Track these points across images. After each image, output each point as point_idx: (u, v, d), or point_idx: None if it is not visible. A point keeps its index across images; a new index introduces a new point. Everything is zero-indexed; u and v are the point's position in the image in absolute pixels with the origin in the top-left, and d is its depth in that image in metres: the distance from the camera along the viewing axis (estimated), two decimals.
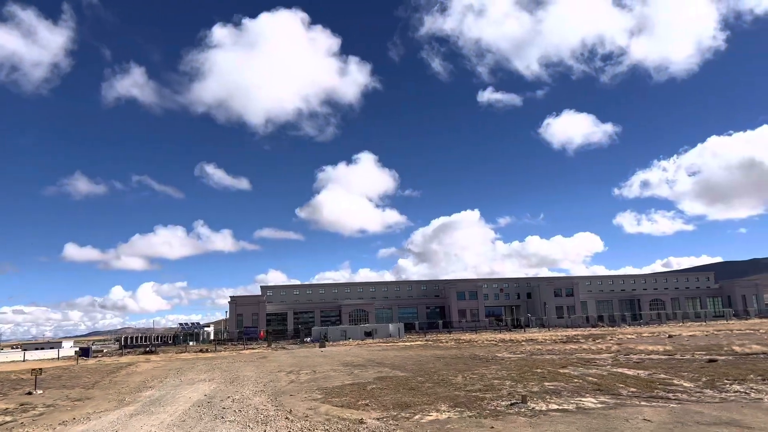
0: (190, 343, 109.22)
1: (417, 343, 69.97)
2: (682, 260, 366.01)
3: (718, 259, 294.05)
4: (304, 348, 75.87)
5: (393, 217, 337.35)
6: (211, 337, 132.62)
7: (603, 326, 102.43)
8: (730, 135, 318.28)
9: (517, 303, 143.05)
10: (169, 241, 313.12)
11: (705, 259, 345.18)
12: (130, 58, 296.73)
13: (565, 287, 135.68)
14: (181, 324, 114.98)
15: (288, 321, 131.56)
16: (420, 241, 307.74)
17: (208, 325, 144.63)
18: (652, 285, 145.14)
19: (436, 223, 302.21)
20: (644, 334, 66.90)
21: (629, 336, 64.67)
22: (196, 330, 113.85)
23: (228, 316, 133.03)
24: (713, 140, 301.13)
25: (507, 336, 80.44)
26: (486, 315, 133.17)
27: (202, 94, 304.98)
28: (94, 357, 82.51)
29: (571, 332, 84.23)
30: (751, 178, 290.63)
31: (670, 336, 59.21)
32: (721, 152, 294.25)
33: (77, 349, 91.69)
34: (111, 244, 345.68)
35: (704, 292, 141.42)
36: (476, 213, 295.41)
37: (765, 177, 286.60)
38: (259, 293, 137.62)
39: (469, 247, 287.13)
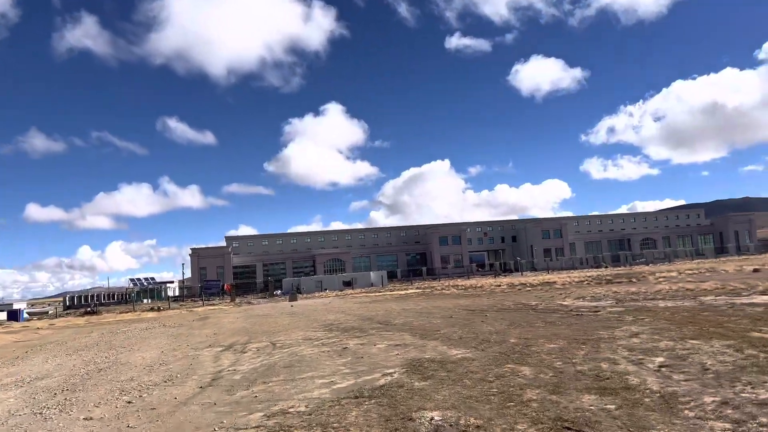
0: (145, 301, 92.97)
1: (409, 291, 54.90)
2: (647, 204, 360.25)
3: (681, 202, 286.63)
4: (271, 302, 60.24)
5: (364, 168, 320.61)
6: (176, 293, 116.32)
7: (605, 266, 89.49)
8: (695, 79, 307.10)
9: (502, 247, 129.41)
10: (134, 199, 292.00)
11: (668, 203, 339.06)
12: (81, 6, 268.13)
13: (552, 228, 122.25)
14: (132, 280, 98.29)
15: (257, 274, 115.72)
16: (391, 193, 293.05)
17: (171, 282, 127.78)
18: (642, 224, 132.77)
19: (406, 174, 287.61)
20: (678, 272, 52.98)
21: (669, 274, 50.58)
22: (150, 286, 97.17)
23: (190, 270, 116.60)
24: (678, 84, 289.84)
25: (509, 280, 65.98)
26: (469, 261, 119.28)
27: (159, 44, 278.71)
28: (26, 320, 66.53)
29: (579, 273, 70.29)
30: (714, 122, 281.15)
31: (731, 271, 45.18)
32: (686, 96, 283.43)
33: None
34: (75, 203, 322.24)
35: (695, 230, 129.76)
36: (446, 163, 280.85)
37: (727, 120, 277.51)
38: (224, 245, 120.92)
39: (440, 198, 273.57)
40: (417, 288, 63.53)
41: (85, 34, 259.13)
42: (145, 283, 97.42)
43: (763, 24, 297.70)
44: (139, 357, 16.54)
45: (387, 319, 23.84)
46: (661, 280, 41.62)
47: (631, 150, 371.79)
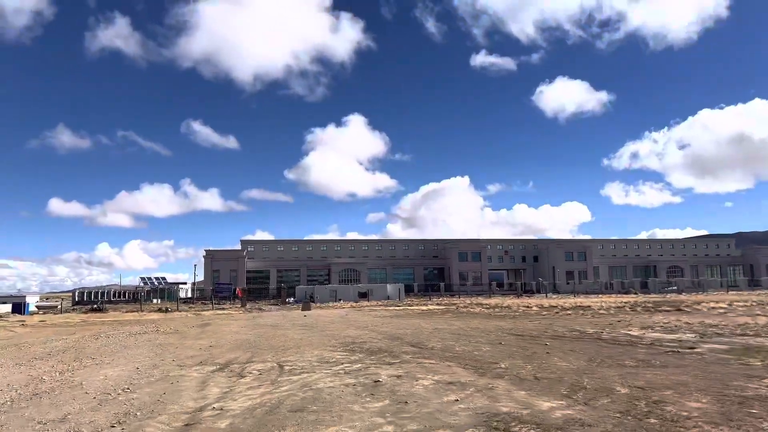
0: (154, 301, 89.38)
1: (432, 307, 50.45)
2: (667, 232, 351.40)
3: (704, 232, 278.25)
4: (283, 310, 56.07)
5: (383, 181, 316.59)
6: (188, 294, 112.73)
7: (634, 292, 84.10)
8: (722, 108, 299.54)
9: (522, 267, 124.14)
10: (155, 199, 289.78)
11: (689, 232, 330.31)
12: (114, 7, 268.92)
13: (576, 251, 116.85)
14: (143, 278, 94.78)
15: (270, 279, 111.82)
16: (408, 207, 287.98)
17: (183, 283, 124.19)
18: (669, 251, 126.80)
19: (425, 189, 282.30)
20: (728, 303, 47.91)
21: (718, 305, 45.56)
22: (161, 286, 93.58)
23: (204, 272, 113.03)
24: (704, 113, 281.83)
25: (536, 301, 61.15)
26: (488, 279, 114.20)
27: (188, 48, 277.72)
28: (31, 314, 63.53)
29: (611, 298, 65.24)
30: (740, 153, 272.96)
31: None
32: (712, 126, 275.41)
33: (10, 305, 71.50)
34: (97, 200, 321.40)
35: (724, 260, 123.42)
36: (466, 179, 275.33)
37: (754, 151, 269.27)
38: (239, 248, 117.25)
39: (458, 214, 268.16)
40: (438, 304, 59.05)
41: (117, 34, 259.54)
42: (156, 283, 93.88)
43: None
44: (101, 376, 12.38)
45: (419, 340, 19.49)
46: (719, 310, 36.78)
47: (654, 176, 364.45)
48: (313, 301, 74.31)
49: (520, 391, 9.89)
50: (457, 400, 9.21)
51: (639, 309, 41.98)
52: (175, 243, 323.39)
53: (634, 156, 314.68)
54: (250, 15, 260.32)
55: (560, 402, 8.89)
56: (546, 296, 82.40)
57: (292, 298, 79.20)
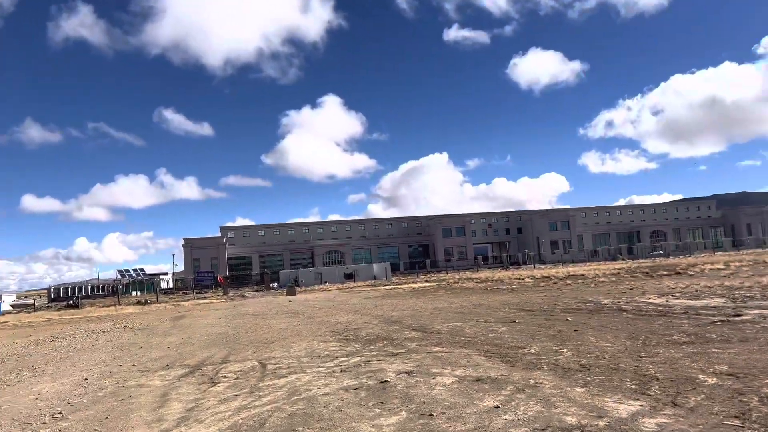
0: (134, 294, 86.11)
1: (423, 285, 48.28)
2: (644, 198, 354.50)
3: (679, 197, 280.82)
4: (267, 296, 53.49)
5: (362, 161, 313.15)
6: (170, 285, 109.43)
7: (622, 259, 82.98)
8: (693, 73, 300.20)
9: (506, 239, 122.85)
10: (131, 190, 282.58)
11: (666, 197, 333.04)
12: None
13: (560, 220, 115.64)
14: (120, 271, 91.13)
15: (253, 265, 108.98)
16: (389, 186, 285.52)
17: (164, 273, 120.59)
18: (651, 216, 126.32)
19: (404, 167, 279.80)
20: (726, 264, 46.46)
21: (716, 266, 44.04)
22: (140, 278, 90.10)
23: (184, 261, 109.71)
24: (676, 78, 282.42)
25: (526, 272, 59.36)
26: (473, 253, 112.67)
27: (155, 35, 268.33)
28: (3, 314, 60.25)
29: (602, 266, 63.79)
30: (712, 117, 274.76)
31: None
32: (684, 91, 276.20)
33: None
34: (71, 195, 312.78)
35: (706, 222, 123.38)
36: (444, 156, 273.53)
37: (726, 115, 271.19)
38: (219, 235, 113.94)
39: (439, 191, 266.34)
40: (427, 281, 56.94)
41: (80, 23, 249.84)
42: (134, 275, 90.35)
43: (762, 19, 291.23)
44: (33, 394, 9.76)
45: (421, 322, 17.13)
46: (724, 272, 35.09)
47: (630, 144, 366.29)
48: (298, 285, 71.83)
49: (574, 387, 7.55)
50: (498, 406, 6.83)
51: (638, 275, 40.21)
52: (154, 234, 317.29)
53: (609, 124, 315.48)
54: None
55: (638, 402, 6.55)
56: (534, 267, 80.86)
57: (276, 283, 76.61)
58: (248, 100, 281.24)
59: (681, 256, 79.85)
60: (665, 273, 40.57)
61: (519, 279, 49.28)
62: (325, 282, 72.44)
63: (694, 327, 12.29)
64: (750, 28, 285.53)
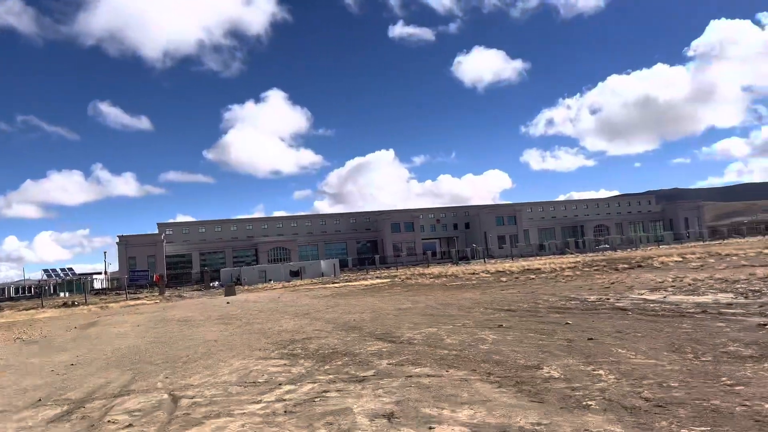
0: (62, 294, 79.16)
1: (376, 282, 45.08)
2: (583, 194, 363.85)
3: (615, 193, 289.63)
4: (207, 295, 48.98)
5: (308, 157, 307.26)
6: (103, 285, 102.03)
7: (570, 252, 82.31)
8: (629, 73, 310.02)
9: (454, 234, 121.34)
10: (65, 187, 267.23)
11: (603, 193, 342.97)
12: None
13: (506, 215, 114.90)
14: (46, 270, 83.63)
15: (193, 263, 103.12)
16: (335, 182, 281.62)
17: (98, 273, 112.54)
18: (594, 210, 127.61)
19: (351, 163, 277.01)
20: (681, 257, 45.43)
21: (672, 259, 42.81)
22: (68, 278, 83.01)
23: (118, 260, 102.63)
24: (613, 78, 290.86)
25: (480, 267, 57.16)
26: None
27: (90, 24, 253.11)
28: None
29: (556, 260, 62.37)
30: (646, 115, 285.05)
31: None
32: (620, 90, 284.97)
33: None
34: None
35: (646, 216, 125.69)
36: (391, 152, 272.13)
37: (659, 114, 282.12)
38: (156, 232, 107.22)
39: (385, 187, 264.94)
40: (378, 277, 53.77)
41: (7, 10, 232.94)
42: (62, 275, 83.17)
43: (692, 23, 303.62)
44: None
45: (385, 328, 13.86)
46: (691, 264, 33.45)
47: (569, 142, 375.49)
48: (241, 284, 67.35)
49: None
50: None
51: (599, 268, 38.28)
52: (90, 232, 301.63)
53: (550, 122, 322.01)
54: None
55: None
56: (484, 261, 79.13)
57: (217, 282, 71.74)
58: (189, 93, 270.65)
59: (628, 249, 79.89)
60: (626, 266, 38.85)
61: (474, 274, 46.85)
62: (270, 280, 68.20)
63: (739, 332, 9.53)
64: (681, 31, 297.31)
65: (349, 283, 44.44)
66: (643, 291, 18.18)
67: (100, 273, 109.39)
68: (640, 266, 37.50)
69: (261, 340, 13.33)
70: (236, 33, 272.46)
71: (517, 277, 34.87)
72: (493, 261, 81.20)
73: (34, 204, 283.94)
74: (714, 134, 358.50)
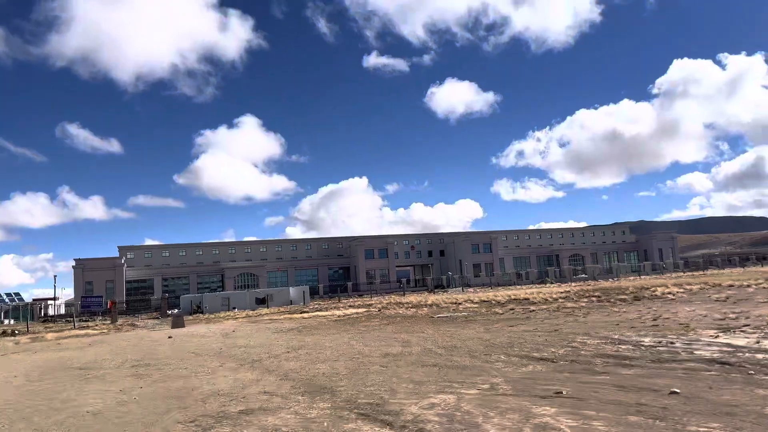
0: (5, 321, 71.38)
1: (350, 311, 39.69)
2: (551, 225, 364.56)
3: (584, 224, 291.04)
4: (162, 325, 42.78)
5: (281, 183, 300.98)
6: (61, 311, 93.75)
7: (550, 281, 78.19)
8: (596, 108, 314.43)
9: (428, 262, 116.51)
10: (29, 209, 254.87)
11: (571, 224, 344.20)
12: None
13: (482, 242, 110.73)
14: None
15: (155, 289, 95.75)
16: (308, 209, 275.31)
17: (51, 298, 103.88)
18: (569, 240, 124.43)
19: (324, 190, 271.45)
20: (679, 288, 41.31)
21: (671, 290, 38.59)
22: (14, 303, 75.20)
23: (74, 284, 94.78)
24: (581, 113, 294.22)
25: (464, 296, 52.25)
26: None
27: (61, 45, 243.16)
28: None
29: (540, 289, 57.87)
30: (613, 149, 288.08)
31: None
32: (588, 124, 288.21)
33: None
34: None
35: (621, 246, 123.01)
36: (364, 180, 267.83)
37: (625, 148, 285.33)
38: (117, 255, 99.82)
39: (358, 215, 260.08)
40: (352, 305, 48.31)
41: None
42: (7, 300, 75.34)
43: (656, 61, 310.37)
44: None
45: (374, 395, 8.71)
46: (714, 296, 29.10)
47: (539, 173, 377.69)
48: (202, 312, 61.16)
49: None
50: None
51: (598, 299, 33.73)
52: (54, 256, 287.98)
53: (520, 154, 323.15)
54: (130, 11, 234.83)
55: None
56: (462, 290, 74.30)
57: (177, 309, 65.30)
58: (161, 117, 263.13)
59: (610, 279, 76.12)
60: (623, 297, 34.45)
61: (457, 303, 41.91)
62: (234, 308, 62.12)
63: None
64: (646, 69, 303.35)
65: (320, 313, 39.00)
66: (709, 331, 13.47)
67: (55, 298, 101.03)
68: (642, 297, 33.07)
69: (170, 415, 8.05)
70: (211, 58, 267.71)
71: (512, 309, 30.09)
72: (471, 290, 76.48)
73: None
74: (678, 169, 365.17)
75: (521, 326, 18.88)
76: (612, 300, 32.73)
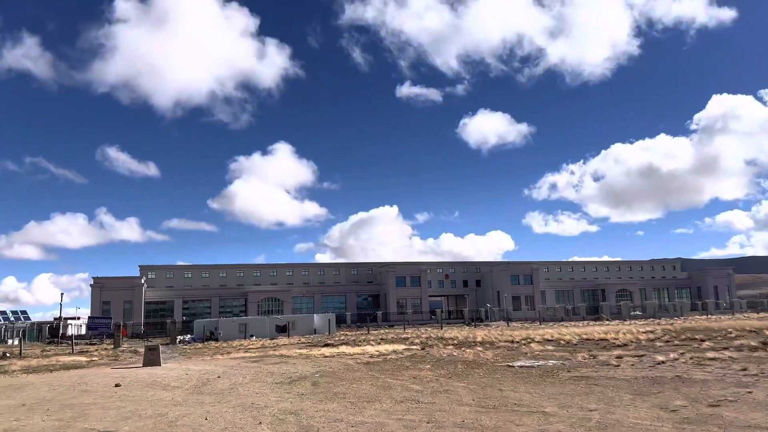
0: (9, 342, 64.64)
1: (381, 348, 30.91)
2: (586, 259, 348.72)
3: (618, 259, 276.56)
4: (170, 352, 34.74)
5: (312, 209, 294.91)
6: (82, 331, 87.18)
7: (606, 319, 68.14)
8: (632, 143, 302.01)
9: (464, 292, 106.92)
10: (68, 230, 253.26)
11: (606, 259, 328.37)
12: (22, 25, 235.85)
13: (522, 273, 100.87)
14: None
15: (175, 312, 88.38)
16: (337, 236, 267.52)
17: (74, 318, 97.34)
18: (615, 273, 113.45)
19: (354, 218, 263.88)
20: None
21: None
22: (19, 321, 68.47)
23: (91, 304, 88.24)
24: (616, 147, 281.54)
25: (522, 333, 43.01)
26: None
27: (104, 72, 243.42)
28: None
29: (612, 327, 48.12)
30: (649, 184, 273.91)
31: None
32: (624, 159, 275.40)
33: None
34: (1, 231, 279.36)
35: (672, 282, 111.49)
36: (395, 209, 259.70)
37: (662, 183, 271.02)
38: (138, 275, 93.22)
39: (387, 243, 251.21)
40: (384, 339, 39.57)
41: (25, 54, 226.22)
42: (12, 318, 68.70)
43: (695, 96, 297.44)
44: None
45: None
46: None
47: (572, 207, 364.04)
48: (216, 339, 53.23)
49: None
50: None
51: (702, 343, 24.37)
52: (90, 275, 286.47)
53: (553, 187, 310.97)
54: (170, 39, 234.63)
55: None
56: (508, 324, 64.86)
57: (189, 336, 57.56)
58: (197, 142, 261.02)
59: (680, 318, 65.71)
60: (743, 342, 25.10)
61: (513, 342, 32.89)
62: (252, 335, 54.01)
63: None
64: (684, 104, 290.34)
65: (347, 349, 30.37)
66: None
67: (76, 318, 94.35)
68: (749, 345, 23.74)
69: None
70: (248, 86, 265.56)
71: (619, 356, 21.04)
72: (516, 324, 66.95)
73: (35, 245, 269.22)
74: (717, 206, 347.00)
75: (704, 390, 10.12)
76: (739, 347, 23.45)
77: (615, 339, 31.83)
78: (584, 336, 35.24)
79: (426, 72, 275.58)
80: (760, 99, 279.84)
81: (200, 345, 46.48)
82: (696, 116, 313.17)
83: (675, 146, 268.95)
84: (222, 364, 21.85)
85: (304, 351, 31.06)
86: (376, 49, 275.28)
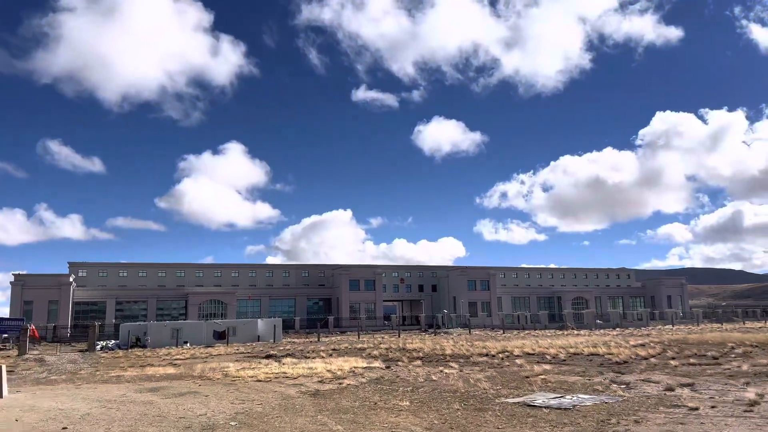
0: None
1: (335, 367, 24.89)
2: (540, 267, 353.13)
3: (573, 266, 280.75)
4: (84, 360, 27.48)
5: (264, 210, 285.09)
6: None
7: (571, 327, 64.11)
8: (580, 155, 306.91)
9: (419, 297, 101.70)
10: (4, 225, 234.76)
11: (562, 267, 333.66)
12: None
13: (479, 279, 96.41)
14: None
15: (107, 314, 79.13)
16: (289, 239, 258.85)
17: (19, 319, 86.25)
18: (571, 281, 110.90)
19: (307, 221, 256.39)
20: None
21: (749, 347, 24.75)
22: None
23: (10, 304, 78.05)
24: (566, 158, 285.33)
25: (498, 344, 37.68)
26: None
27: (47, 62, 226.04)
28: None
29: (588, 338, 43.52)
30: (596, 196, 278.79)
31: None
32: (572, 170, 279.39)
33: None
34: None
35: (626, 291, 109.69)
36: (348, 213, 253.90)
37: (608, 195, 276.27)
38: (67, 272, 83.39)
39: (340, 247, 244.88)
40: (338, 350, 33.47)
41: None
42: None
43: (640, 112, 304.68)
44: None
45: None
46: None
47: (521, 216, 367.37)
48: (144, 345, 45.76)
49: None
50: None
51: (692, 356, 19.66)
52: (29, 274, 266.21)
53: (504, 196, 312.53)
54: (119, 30, 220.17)
55: None
56: (469, 332, 59.90)
57: (112, 342, 49.75)
58: (145, 139, 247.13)
59: (634, 328, 62.38)
60: (714, 355, 20.61)
61: (489, 355, 27.52)
62: (186, 342, 46.77)
63: None
64: (630, 119, 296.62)
65: (290, 365, 24.15)
66: None
67: (20, 319, 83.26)
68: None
69: None
70: (200, 82, 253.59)
71: (673, 390, 15.85)
72: (478, 332, 62.00)
73: None
74: (659, 218, 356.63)
75: None
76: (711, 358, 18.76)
77: (610, 354, 26.87)
78: (570, 350, 30.18)
79: (382, 77, 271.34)
80: (701, 117, 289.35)
81: (120, 354, 39.09)
82: (641, 131, 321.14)
83: (621, 160, 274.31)
84: (99, 396, 15.34)
85: (238, 366, 24.64)
86: (332, 51, 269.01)
